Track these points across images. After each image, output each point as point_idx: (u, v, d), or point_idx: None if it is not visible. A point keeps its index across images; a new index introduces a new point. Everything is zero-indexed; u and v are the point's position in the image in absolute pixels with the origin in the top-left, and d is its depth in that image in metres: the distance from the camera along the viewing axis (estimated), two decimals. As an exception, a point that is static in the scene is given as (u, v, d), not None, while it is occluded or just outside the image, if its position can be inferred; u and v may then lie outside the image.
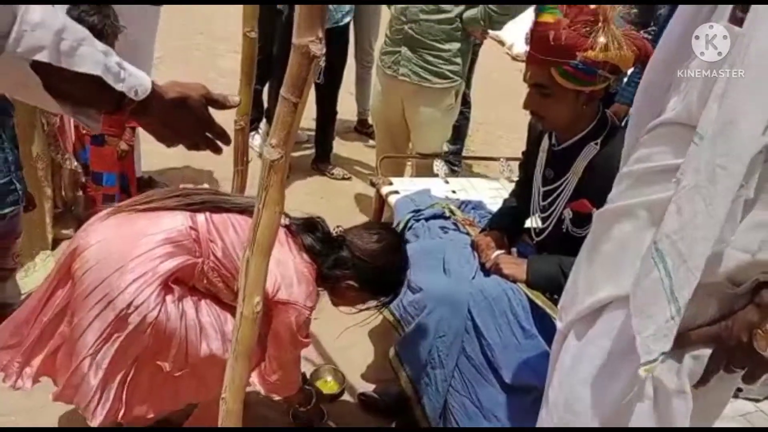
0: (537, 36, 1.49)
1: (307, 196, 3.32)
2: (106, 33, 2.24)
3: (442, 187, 2.49)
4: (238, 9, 1.76)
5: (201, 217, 1.48)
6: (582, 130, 1.60)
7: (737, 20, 0.79)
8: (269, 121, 3.51)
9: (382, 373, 2.07)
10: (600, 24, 1.43)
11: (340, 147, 3.92)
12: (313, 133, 3.72)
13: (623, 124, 1.70)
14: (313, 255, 1.55)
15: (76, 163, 2.48)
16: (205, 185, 1.62)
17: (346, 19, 3.29)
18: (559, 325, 1.09)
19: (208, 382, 1.44)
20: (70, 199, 2.59)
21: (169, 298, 1.40)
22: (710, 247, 0.76)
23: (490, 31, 2.93)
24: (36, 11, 0.76)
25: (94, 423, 1.38)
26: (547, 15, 1.48)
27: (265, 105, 3.64)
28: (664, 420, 0.86)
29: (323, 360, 2.13)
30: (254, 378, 1.56)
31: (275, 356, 1.51)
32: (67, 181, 2.53)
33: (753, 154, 0.73)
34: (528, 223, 1.86)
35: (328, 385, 1.95)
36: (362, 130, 4.27)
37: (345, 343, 2.16)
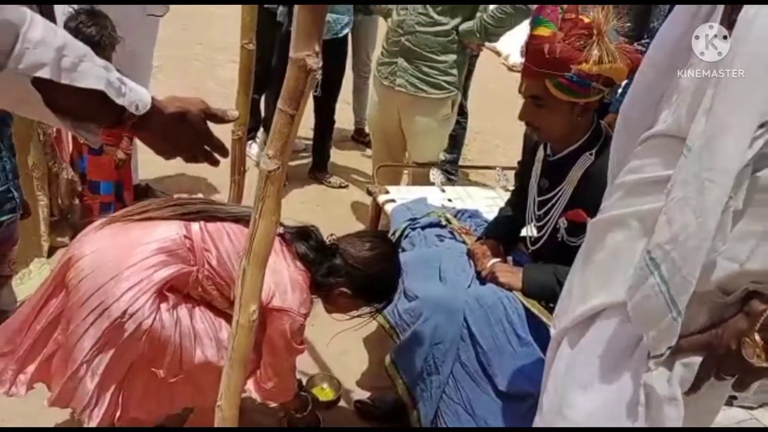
0: (532, 49, 1.51)
1: (304, 205, 3.34)
2: (104, 44, 2.25)
3: (438, 196, 2.50)
4: (236, 20, 1.78)
5: (195, 226, 1.49)
6: (577, 140, 1.62)
7: (730, 23, 0.80)
8: (266, 130, 3.52)
9: (378, 380, 2.07)
10: (594, 37, 1.45)
11: (337, 156, 3.94)
12: (310, 142, 3.74)
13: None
14: (307, 263, 1.57)
15: (72, 173, 2.49)
16: (200, 195, 1.63)
17: (345, 31, 3.32)
18: (552, 331, 1.10)
19: (203, 388, 1.46)
20: (66, 207, 2.60)
21: (163, 305, 1.41)
22: (703, 256, 0.77)
23: (486, 43, 2.96)
24: (38, 29, 0.77)
25: (92, 424, 1.39)
26: (542, 28, 1.50)
27: (263, 114, 3.66)
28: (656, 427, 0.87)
29: (319, 367, 2.14)
30: (250, 385, 1.57)
31: (270, 363, 1.52)
32: (63, 189, 2.54)
33: (740, 168, 0.74)
34: (523, 232, 1.87)
35: (324, 392, 1.96)
36: (359, 139, 4.30)
37: (341, 350, 2.16)
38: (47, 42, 0.77)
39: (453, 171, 3.61)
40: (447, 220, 2.09)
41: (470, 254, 1.83)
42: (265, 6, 3.17)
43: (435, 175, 2.68)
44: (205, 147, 1.02)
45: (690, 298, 0.79)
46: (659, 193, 0.84)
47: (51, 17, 2.23)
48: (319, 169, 3.68)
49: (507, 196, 2.20)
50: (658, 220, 0.82)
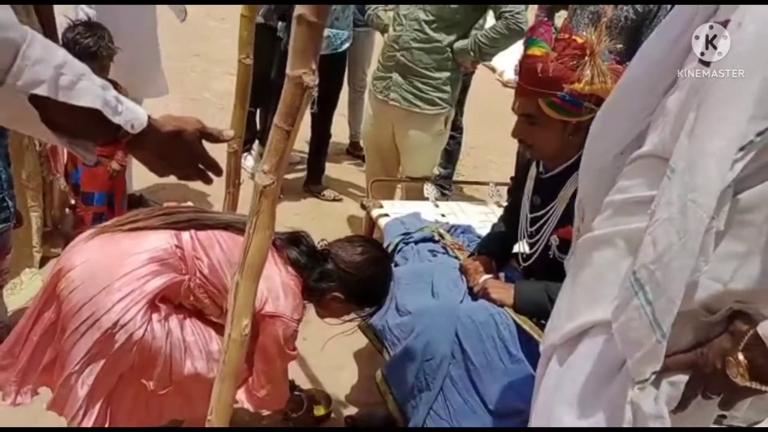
0: (525, 68, 1.54)
1: (298, 217, 3.34)
2: (101, 55, 2.27)
3: (431, 211, 2.51)
4: (234, 33, 1.80)
5: (186, 235, 1.49)
6: (569, 158, 1.64)
7: (723, 22, 0.81)
8: (262, 143, 3.54)
9: (370, 395, 2.06)
10: (586, 58, 1.47)
11: (331, 169, 3.95)
12: (305, 155, 3.75)
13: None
14: (299, 268, 1.57)
15: (65, 184, 2.49)
16: (189, 203, 1.64)
17: (345, 46, 3.34)
18: (542, 348, 1.11)
19: (193, 400, 1.46)
20: (57, 218, 2.60)
21: (155, 317, 1.41)
22: (687, 276, 0.78)
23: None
24: (37, 47, 0.78)
25: None
26: (535, 48, 1.53)
27: (258, 126, 3.67)
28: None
29: (311, 382, 2.13)
30: (241, 395, 1.56)
31: (263, 370, 1.52)
32: (56, 201, 2.54)
33: (722, 189, 0.75)
34: (516, 249, 1.89)
35: (315, 407, 1.95)
36: (354, 152, 4.32)
37: (332, 365, 2.16)
38: (46, 60, 0.78)
39: (447, 186, 3.63)
40: (440, 235, 2.10)
41: (463, 270, 1.84)
42: (266, 22, 3.20)
43: (429, 190, 2.70)
44: (200, 166, 1.03)
45: (675, 317, 0.80)
46: (644, 213, 0.85)
47: (51, 26, 2.25)
48: (314, 182, 3.69)
49: (500, 211, 2.21)
50: (643, 240, 0.83)
